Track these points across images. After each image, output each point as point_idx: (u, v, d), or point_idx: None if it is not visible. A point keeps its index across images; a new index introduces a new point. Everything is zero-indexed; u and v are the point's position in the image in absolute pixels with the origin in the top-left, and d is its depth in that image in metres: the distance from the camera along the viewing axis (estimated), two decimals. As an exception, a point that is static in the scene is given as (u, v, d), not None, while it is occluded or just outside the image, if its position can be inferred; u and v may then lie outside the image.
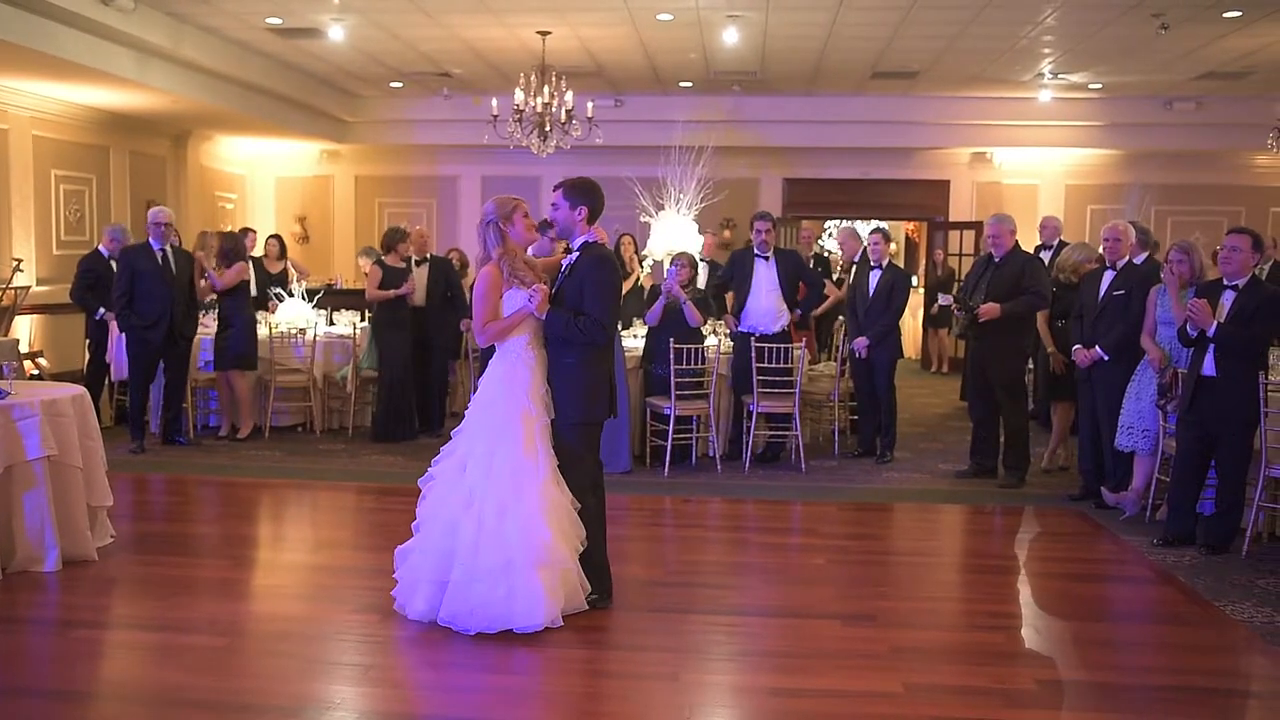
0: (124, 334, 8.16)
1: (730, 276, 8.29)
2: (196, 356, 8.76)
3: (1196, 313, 5.71)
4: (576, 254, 4.72)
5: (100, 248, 9.01)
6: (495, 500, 4.37)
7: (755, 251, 8.11)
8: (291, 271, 10.80)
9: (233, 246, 8.72)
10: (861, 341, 8.05)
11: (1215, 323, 5.67)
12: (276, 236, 11.25)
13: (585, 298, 4.60)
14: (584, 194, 4.70)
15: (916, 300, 16.24)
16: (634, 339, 8.59)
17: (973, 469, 7.64)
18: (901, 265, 20.58)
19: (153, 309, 7.92)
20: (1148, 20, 9.45)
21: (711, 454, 8.06)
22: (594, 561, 4.69)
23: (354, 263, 13.80)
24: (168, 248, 8.06)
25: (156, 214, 8.12)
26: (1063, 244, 9.01)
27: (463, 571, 4.34)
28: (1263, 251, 5.94)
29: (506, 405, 4.53)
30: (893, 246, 9.37)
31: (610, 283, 4.71)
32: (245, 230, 11.17)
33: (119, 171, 12.62)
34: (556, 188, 4.78)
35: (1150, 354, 6.29)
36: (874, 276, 8.14)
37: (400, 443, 8.58)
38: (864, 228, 14.02)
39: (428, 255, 9.32)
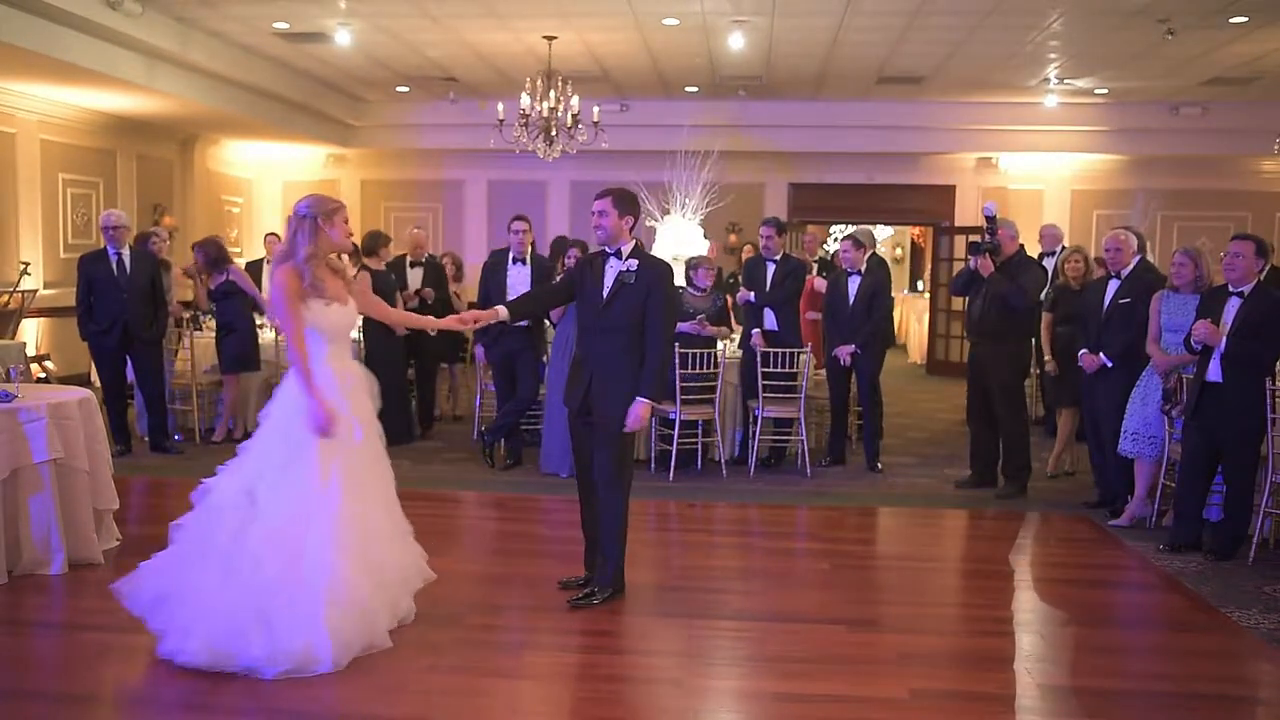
0: (84, 340, 8.12)
1: (750, 281, 8.31)
2: (200, 361, 8.78)
3: (1203, 334, 5.71)
4: (636, 262, 4.80)
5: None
6: (282, 533, 4.02)
7: (764, 256, 8.19)
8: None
9: (217, 254, 8.65)
10: (845, 349, 7.91)
11: (1224, 338, 5.66)
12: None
13: (650, 310, 4.75)
14: (632, 204, 4.88)
15: (923, 305, 16.25)
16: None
17: (973, 478, 7.60)
18: (906, 272, 20.79)
19: (106, 314, 7.86)
20: (1154, 26, 9.44)
21: (717, 458, 8.06)
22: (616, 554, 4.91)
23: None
24: (124, 251, 7.98)
25: (106, 218, 8.04)
26: (1063, 250, 9.03)
27: (253, 612, 3.96)
28: (1267, 257, 5.94)
29: (301, 429, 4.12)
30: (881, 249, 9.34)
31: (673, 293, 4.99)
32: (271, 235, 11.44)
33: (126, 175, 12.67)
34: (603, 195, 4.85)
35: (1156, 360, 6.28)
36: (853, 283, 8.02)
37: (396, 446, 8.54)
38: (876, 232, 13.99)
39: (423, 258, 9.35)
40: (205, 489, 4.21)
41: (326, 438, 4.10)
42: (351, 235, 4.57)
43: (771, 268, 8.10)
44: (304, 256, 4.21)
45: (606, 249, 4.89)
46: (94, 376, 9.19)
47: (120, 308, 7.87)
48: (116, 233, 7.94)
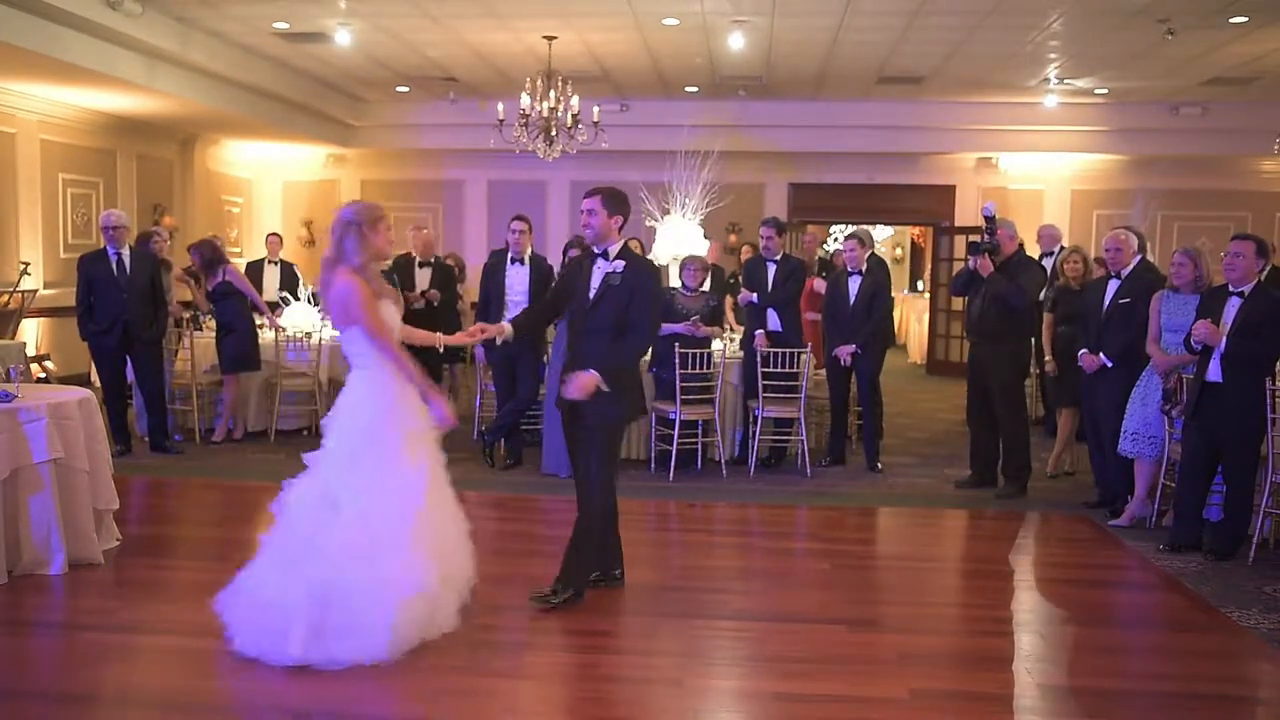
0: (84, 340, 8.12)
1: (750, 282, 8.29)
2: (200, 361, 8.77)
3: (1203, 334, 5.70)
4: (623, 263, 4.77)
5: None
6: (360, 536, 4.09)
7: (764, 257, 8.19)
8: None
9: (213, 255, 8.67)
10: (846, 349, 7.90)
11: (1224, 338, 5.65)
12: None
13: (634, 308, 4.73)
14: (622, 204, 4.81)
15: (923, 305, 16.26)
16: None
17: (973, 478, 7.59)
18: (906, 272, 20.82)
19: (106, 314, 7.86)
20: (1154, 26, 9.44)
21: (717, 458, 8.06)
22: (610, 542, 5.01)
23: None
24: (124, 251, 7.99)
25: (106, 218, 8.04)
26: (1062, 250, 9.04)
27: (309, 614, 4.02)
28: (1268, 257, 5.94)
29: (384, 426, 4.23)
30: (881, 248, 9.33)
31: (659, 295, 4.98)
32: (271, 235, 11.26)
33: (126, 175, 12.67)
34: (592, 194, 4.82)
35: (1156, 360, 6.27)
36: (853, 283, 8.02)
37: None
38: (876, 232, 13.92)
39: (432, 258, 9.34)
40: (283, 498, 4.26)
41: (445, 428, 4.31)
42: (393, 243, 4.58)
43: (772, 268, 8.10)
44: (360, 262, 4.25)
45: (595, 249, 4.86)
46: (94, 376, 9.17)
47: (120, 308, 7.86)
48: (116, 233, 7.92)
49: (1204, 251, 6.40)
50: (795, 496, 7.31)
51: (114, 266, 7.90)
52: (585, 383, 4.62)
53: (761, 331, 8.00)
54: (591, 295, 4.80)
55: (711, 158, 9.33)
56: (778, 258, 8.13)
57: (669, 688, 4.07)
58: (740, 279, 9.15)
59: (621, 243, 4.87)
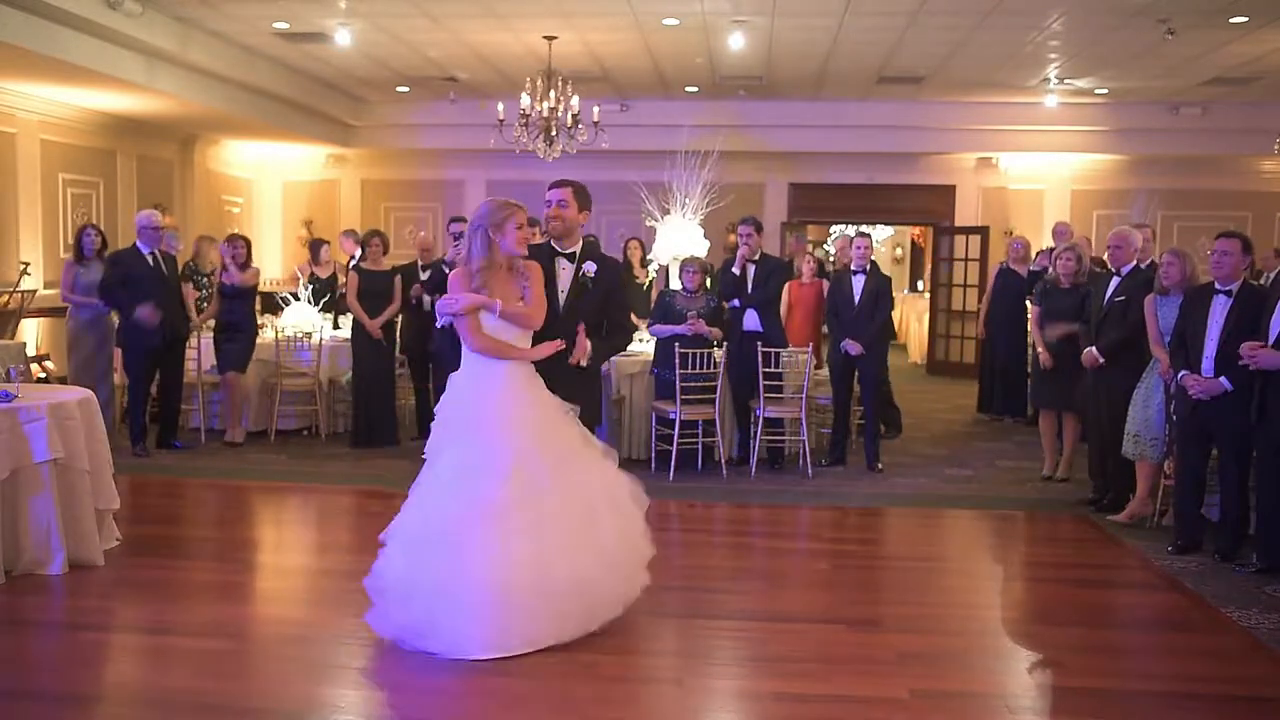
0: (123, 334, 8.16)
1: (726, 286, 8.25)
2: (202, 360, 8.77)
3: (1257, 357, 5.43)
4: (594, 265, 4.65)
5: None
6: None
7: (745, 258, 8.14)
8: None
9: (249, 252, 8.81)
10: (854, 345, 7.86)
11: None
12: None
13: (612, 306, 4.72)
14: (590, 200, 4.74)
15: (923, 305, 16.26)
16: (640, 343, 8.60)
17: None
18: (906, 272, 20.85)
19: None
20: (1154, 26, 9.44)
21: (718, 458, 8.06)
22: None
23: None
24: (157, 251, 8.06)
25: (149, 218, 8.09)
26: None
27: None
28: (1252, 254, 5.92)
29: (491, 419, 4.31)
30: (881, 249, 9.36)
31: (627, 290, 4.98)
32: (320, 241, 10.66)
33: (126, 176, 12.66)
34: (562, 185, 4.65)
35: (1164, 362, 6.21)
36: (858, 282, 8.01)
37: (378, 449, 8.49)
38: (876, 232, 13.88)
39: (431, 261, 9.33)
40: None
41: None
42: (525, 241, 4.41)
43: (752, 269, 8.06)
44: (477, 267, 4.27)
45: (556, 246, 4.66)
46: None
47: (164, 306, 7.94)
48: (156, 233, 8.05)
49: (1189, 252, 6.37)
50: (795, 496, 7.31)
51: (152, 264, 7.99)
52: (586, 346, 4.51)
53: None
54: (562, 299, 4.60)
55: (711, 158, 9.33)
56: (756, 258, 8.09)
57: (669, 688, 4.07)
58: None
59: (581, 242, 4.71)
